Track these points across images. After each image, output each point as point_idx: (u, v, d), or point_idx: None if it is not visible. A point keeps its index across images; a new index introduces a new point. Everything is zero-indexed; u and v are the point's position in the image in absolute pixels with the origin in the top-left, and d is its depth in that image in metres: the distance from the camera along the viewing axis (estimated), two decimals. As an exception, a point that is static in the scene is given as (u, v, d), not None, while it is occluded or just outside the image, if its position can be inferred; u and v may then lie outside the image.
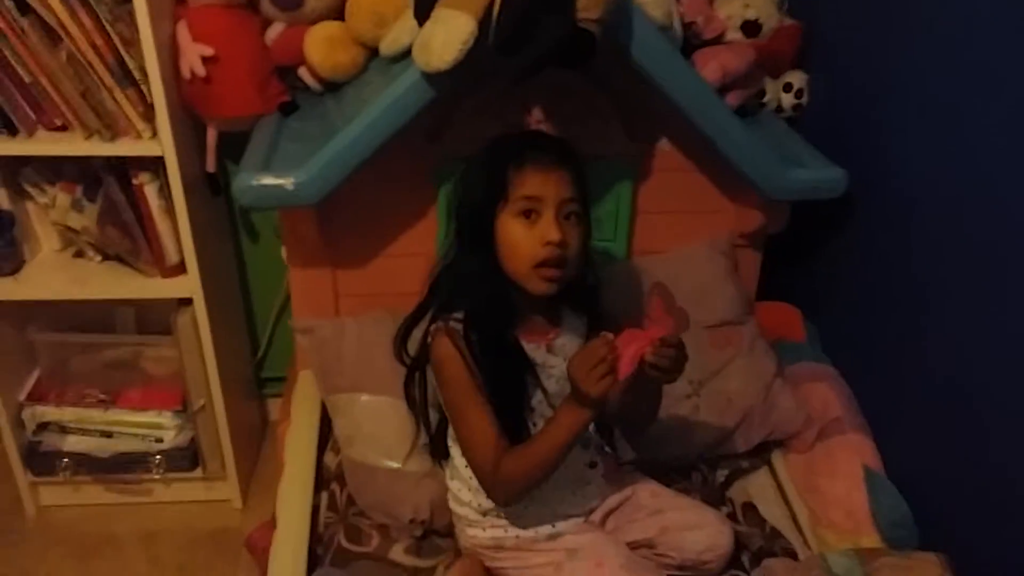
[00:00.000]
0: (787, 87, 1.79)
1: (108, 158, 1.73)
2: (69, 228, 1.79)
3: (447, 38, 1.29)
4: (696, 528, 1.38)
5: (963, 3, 1.34)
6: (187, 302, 1.82)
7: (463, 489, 1.38)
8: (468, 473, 1.33)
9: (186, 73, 1.64)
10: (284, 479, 1.55)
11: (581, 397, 1.18)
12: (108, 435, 1.95)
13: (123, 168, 1.74)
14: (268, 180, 1.46)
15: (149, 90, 1.61)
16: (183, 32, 1.63)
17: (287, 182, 1.45)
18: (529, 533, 1.34)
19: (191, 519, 2.02)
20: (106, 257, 1.87)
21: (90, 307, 1.91)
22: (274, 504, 1.51)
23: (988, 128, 1.29)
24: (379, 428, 1.50)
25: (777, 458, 1.65)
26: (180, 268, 1.80)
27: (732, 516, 1.51)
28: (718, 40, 1.73)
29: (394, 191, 1.63)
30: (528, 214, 1.24)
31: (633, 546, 1.37)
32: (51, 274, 1.84)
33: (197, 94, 1.67)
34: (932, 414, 1.43)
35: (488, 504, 1.34)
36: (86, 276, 1.83)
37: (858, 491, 1.46)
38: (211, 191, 1.84)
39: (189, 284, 1.78)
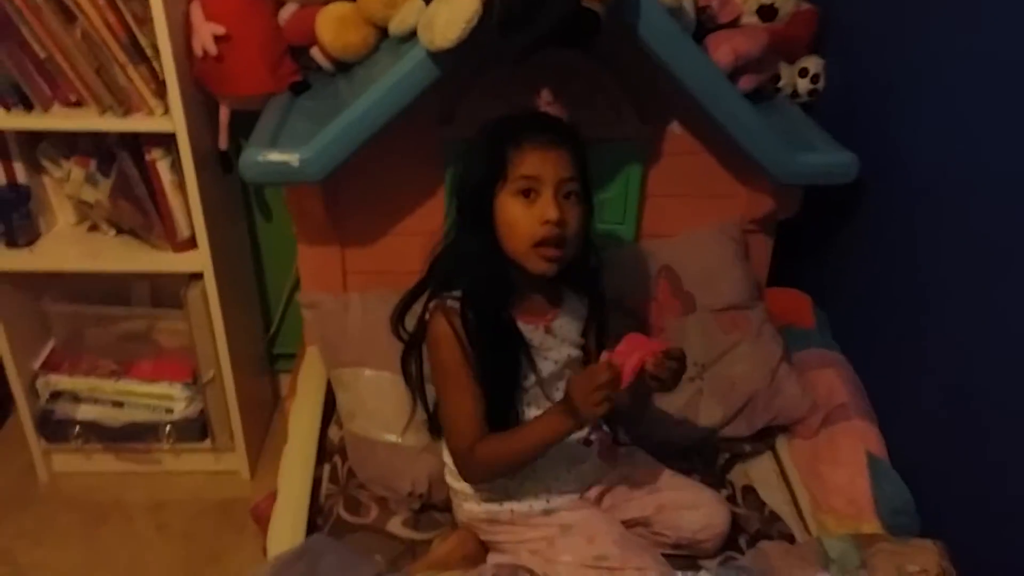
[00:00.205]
0: (803, 72, 1.77)
1: (122, 134, 1.76)
2: (83, 202, 1.82)
3: (451, 17, 1.29)
4: (692, 507, 1.38)
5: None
6: (198, 277, 1.84)
7: (459, 464, 1.39)
8: None
9: (198, 51, 1.66)
10: (287, 451, 1.57)
11: (575, 412, 1.21)
12: (119, 405, 1.98)
13: (136, 144, 1.77)
14: (274, 156, 1.47)
15: (161, 67, 1.63)
16: (196, 11, 1.65)
17: (292, 158, 1.46)
18: (524, 508, 1.36)
19: (199, 489, 2.05)
20: (119, 231, 1.90)
21: (106, 280, 1.95)
22: (280, 476, 1.53)
23: (1003, 118, 1.27)
24: (380, 402, 1.51)
25: (781, 443, 1.65)
26: (191, 243, 1.82)
27: (731, 499, 1.51)
28: (733, 24, 1.72)
29: (402, 170, 1.64)
30: (527, 193, 1.24)
31: (629, 524, 1.38)
32: (65, 247, 1.88)
33: (209, 72, 1.69)
34: (938, 403, 1.42)
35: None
36: (99, 249, 1.86)
37: (861, 477, 1.46)
38: (223, 168, 1.86)
39: (200, 259, 1.81)
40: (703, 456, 1.60)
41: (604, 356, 1.23)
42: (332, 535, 1.42)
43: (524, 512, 1.36)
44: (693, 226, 1.72)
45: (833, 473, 1.49)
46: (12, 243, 1.84)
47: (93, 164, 1.81)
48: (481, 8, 1.28)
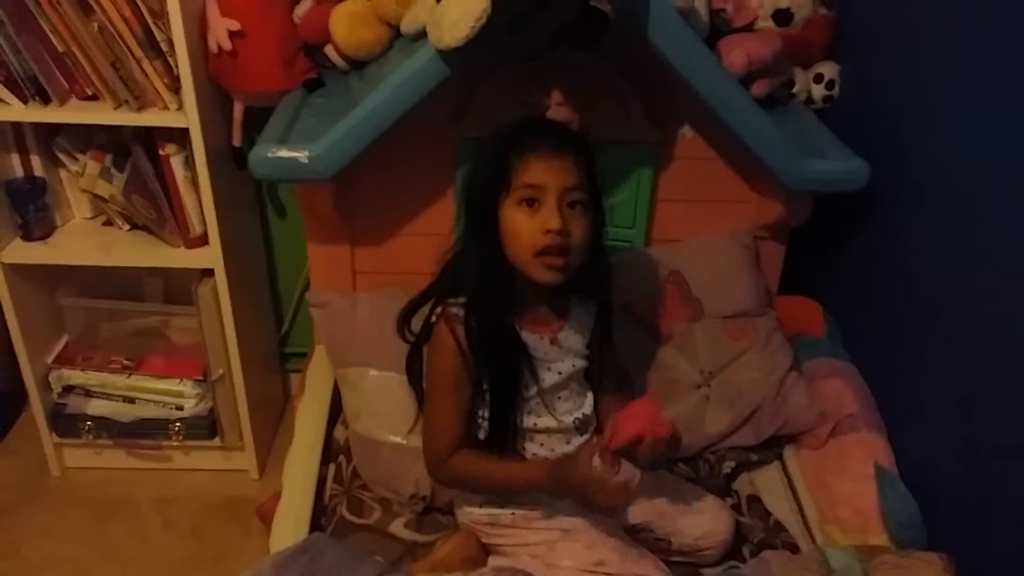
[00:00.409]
0: (818, 78, 1.75)
1: (136, 128, 1.77)
2: (97, 196, 1.83)
3: (460, 15, 1.29)
4: (695, 514, 1.37)
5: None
6: (209, 273, 1.85)
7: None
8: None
9: (213, 47, 1.66)
10: (292, 450, 1.58)
11: (565, 490, 1.25)
12: (131, 400, 1.99)
13: (151, 139, 1.78)
14: (283, 152, 1.47)
15: (176, 62, 1.64)
16: (212, 6, 1.66)
17: (302, 155, 1.47)
18: (525, 511, 1.35)
19: (208, 487, 2.06)
20: (133, 226, 1.91)
21: (120, 276, 1.96)
22: (286, 475, 1.53)
23: (1017, 127, 1.25)
24: (385, 403, 1.51)
25: (789, 453, 1.63)
26: (203, 239, 1.83)
27: (736, 508, 1.49)
28: (748, 28, 1.70)
29: (413, 169, 1.64)
30: (530, 202, 1.23)
31: (631, 530, 1.37)
32: (79, 240, 1.89)
33: (224, 68, 1.70)
34: (948, 414, 1.40)
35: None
36: (112, 244, 1.87)
37: (868, 489, 1.44)
38: (237, 165, 1.86)
39: (211, 255, 1.81)
40: (709, 464, 1.58)
41: (610, 425, 1.23)
42: (335, 535, 1.42)
43: (525, 516, 1.35)
44: (703, 231, 1.71)
45: (840, 484, 1.46)
46: (28, 236, 1.86)
47: (108, 159, 1.82)
48: (490, 7, 1.28)
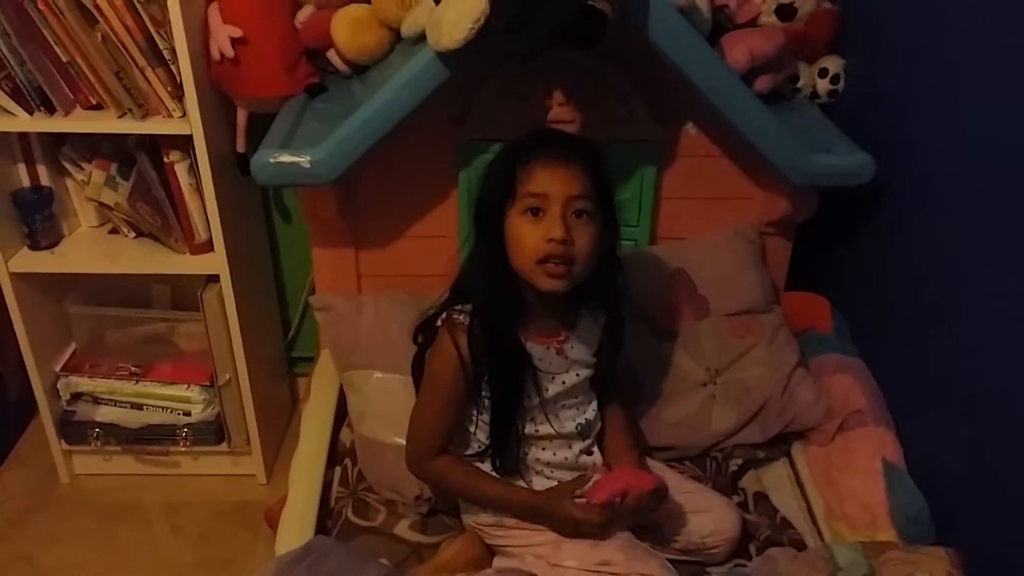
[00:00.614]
0: (822, 72, 1.75)
1: (141, 137, 1.78)
2: (103, 204, 1.84)
3: (458, 17, 1.29)
4: (701, 512, 1.37)
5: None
6: (215, 279, 1.85)
7: (467, 468, 1.38)
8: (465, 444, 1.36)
9: (215, 54, 1.67)
10: (298, 453, 1.58)
11: (539, 518, 1.31)
12: (139, 407, 2.00)
13: (156, 147, 1.79)
14: (285, 157, 1.48)
15: (179, 70, 1.65)
16: (214, 13, 1.66)
17: (303, 159, 1.47)
18: (529, 512, 1.34)
19: (216, 492, 2.06)
20: (139, 234, 1.92)
21: (128, 283, 1.97)
22: (293, 479, 1.53)
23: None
24: (390, 405, 1.51)
25: (796, 450, 1.62)
26: (208, 245, 1.83)
27: (743, 505, 1.49)
28: (751, 24, 1.70)
29: (416, 171, 1.64)
30: (535, 211, 1.22)
31: (637, 529, 1.36)
32: (86, 248, 1.90)
33: (226, 74, 1.70)
34: (957, 409, 1.39)
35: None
36: (119, 251, 1.88)
37: (875, 485, 1.43)
38: (241, 171, 1.87)
39: (216, 261, 1.82)
40: (715, 461, 1.57)
41: (592, 477, 1.30)
42: (340, 538, 1.42)
43: (529, 516, 1.34)
44: (708, 229, 1.70)
45: (848, 480, 1.45)
46: (35, 245, 1.87)
47: (114, 167, 1.83)
48: (488, 8, 1.28)
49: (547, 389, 1.33)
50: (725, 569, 1.36)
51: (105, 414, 2.00)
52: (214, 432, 2.00)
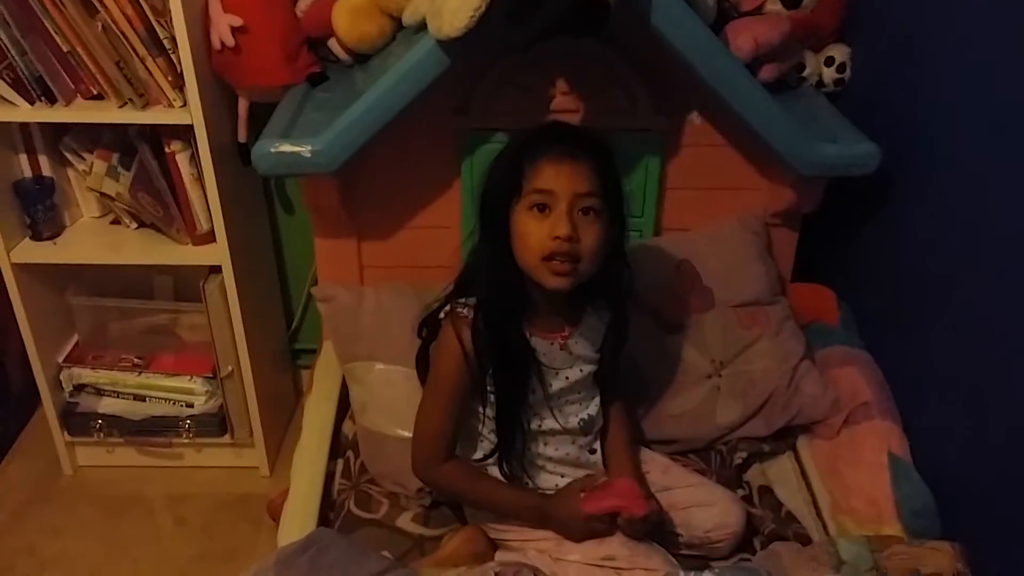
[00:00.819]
0: (829, 61, 1.73)
1: (142, 126, 1.77)
2: (104, 194, 1.83)
3: (459, 5, 1.27)
4: (705, 506, 1.36)
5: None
6: (217, 270, 1.84)
7: (469, 461, 1.38)
8: (472, 444, 1.34)
9: (216, 43, 1.66)
10: (300, 445, 1.58)
11: (545, 522, 1.30)
12: (141, 399, 2.00)
13: (157, 137, 1.78)
14: (286, 147, 1.47)
15: (179, 59, 1.63)
16: (214, 3, 1.65)
17: (304, 149, 1.46)
18: (532, 506, 1.34)
19: (218, 484, 2.06)
20: (141, 224, 1.91)
21: (130, 274, 1.97)
22: (295, 471, 1.53)
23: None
24: (392, 397, 1.50)
25: (802, 443, 1.60)
26: (210, 236, 1.82)
27: (747, 499, 1.47)
28: (756, 12, 1.68)
29: (418, 161, 1.63)
30: (541, 208, 1.20)
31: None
32: (88, 239, 1.90)
33: (227, 64, 1.69)
34: (964, 402, 1.37)
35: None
36: (120, 242, 1.88)
37: (881, 479, 1.41)
38: (243, 161, 1.86)
39: (218, 252, 1.81)
40: (719, 455, 1.56)
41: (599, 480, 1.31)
42: (343, 530, 1.41)
43: (532, 510, 1.34)
44: (714, 220, 1.69)
45: (854, 474, 1.44)
46: (37, 236, 1.87)
47: (115, 157, 1.82)
48: (490, -4, 1.26)
49: (551, 384, 1.32)
50: (729, 563, 1.34)
51: (108, 406, 2.00)
52: (217, 424, 2.00)
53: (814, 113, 1.64)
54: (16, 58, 1.67)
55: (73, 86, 1.73)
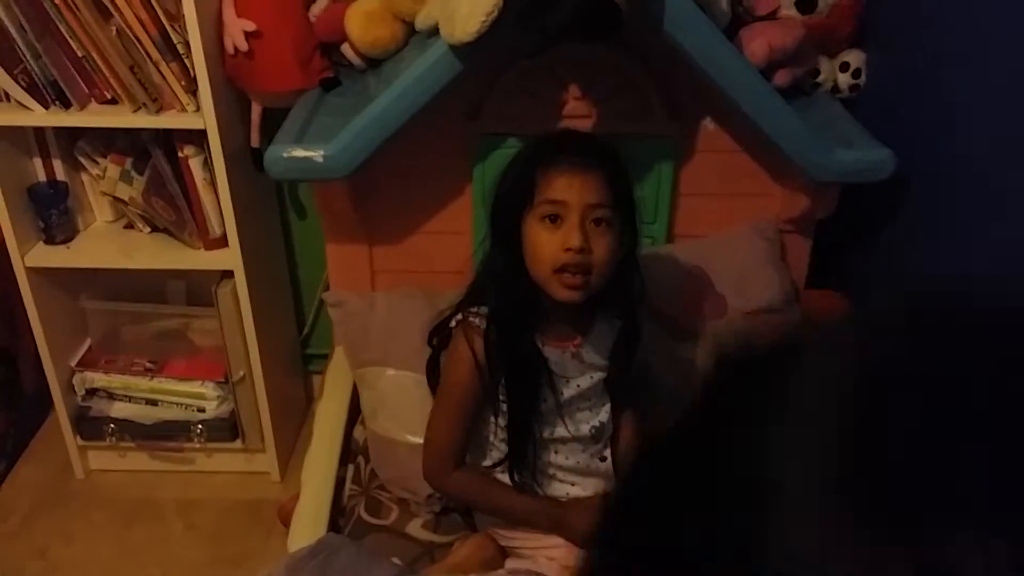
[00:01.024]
0: (844, 66, 1.71)
1: (156, 131, 1.78)
2: (117, 199, 1.84)
3: (471, 10, 1.27)
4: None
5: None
6: (229, 275, 1.84)
7: (479, 469, 1.37)
8: (483, 452, 1.34)
9: (229, 48, 1.66)
10: (310, 451, 1.57)
11: (565, 528, 1.30)
12: (153, 403, 2.00)
13: (171, 141, 1.78)
14: (298, 152, 1.46)
15: (193, 64, 1.64)
16: (227, 7, 1.66)
17: (316, 154, 1.46)
18: (543, 513, 1.33)
19: (230, 489, 2.06)
20: (154, 229, 1.91)
21: (143, 279, 1.97)
22: (307, 477, 1.52)
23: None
24: (402, 403, 1.50)
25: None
26: (223, 241, 1.82)
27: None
28: (771, 16, 1.67)
29: (430, 167, 1.62)
30: (553, 219, 1.19)
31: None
32: (101, 244, 1.90)
33: (240, 69, 1.69)
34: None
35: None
36: (134, 247, 1.88)
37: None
38: (256, 166, 1.86)
39: (230, 257, 1.81)
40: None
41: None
42: (352, 536, 1.41)
43: (543, 517, 1.33)
44: (726, 226, 1.67)
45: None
46: (50, 240, 1.87)
47: (128, 162, 1.83)
48: (502, 1, 1.26)
49: (562, 393, 1.31)
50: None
51: (120, 410, 2.00)
52: (228, 429, 2.00)
53: (828, 119, 1.62)
54: (31, 62, 1.67)
55: (87, 90, 1.73)
